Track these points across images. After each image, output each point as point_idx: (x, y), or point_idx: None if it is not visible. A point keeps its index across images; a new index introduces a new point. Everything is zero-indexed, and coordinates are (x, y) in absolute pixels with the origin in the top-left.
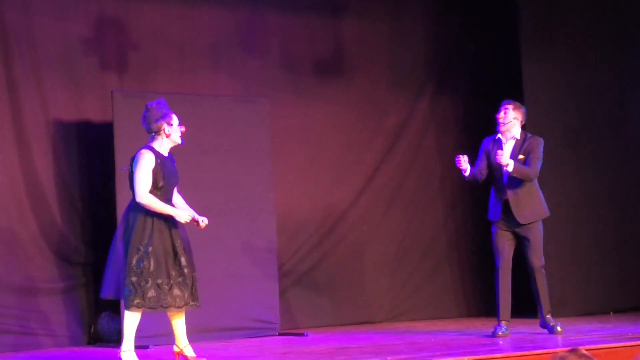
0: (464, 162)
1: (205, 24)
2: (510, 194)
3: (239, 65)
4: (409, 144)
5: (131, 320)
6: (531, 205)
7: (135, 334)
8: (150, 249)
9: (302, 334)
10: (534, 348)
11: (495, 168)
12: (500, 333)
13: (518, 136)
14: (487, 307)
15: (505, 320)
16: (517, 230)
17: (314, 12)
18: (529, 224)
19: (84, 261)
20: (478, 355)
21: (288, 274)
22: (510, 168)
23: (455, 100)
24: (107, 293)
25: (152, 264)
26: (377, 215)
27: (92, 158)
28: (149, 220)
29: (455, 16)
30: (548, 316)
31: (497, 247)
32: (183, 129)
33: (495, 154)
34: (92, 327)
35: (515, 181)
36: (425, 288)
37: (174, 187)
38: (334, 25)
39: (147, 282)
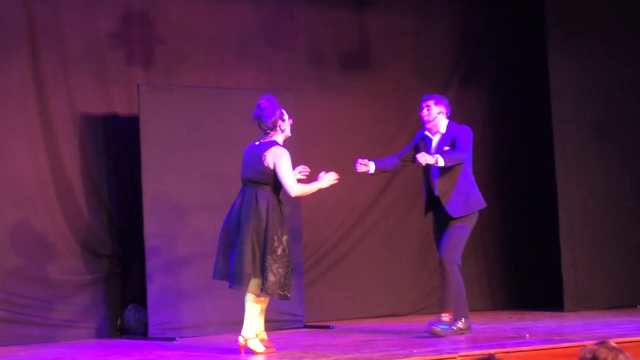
0: (361, 166)
1: (232, 17)
2: (441, 188)
3: (265, 59)
4: None
5: (256, 306)
6: (462, 198)
7: (160, 326)
8: (285, 237)
9: (328, 327)
10: (562, 341)
11: (423, 166)
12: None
13: (444, 129)
14: (512, 300)
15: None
16: (445, 225)
17: (340, 6)
18: (460, 218)
19: (110, 254)
20: (505, 348)
21: (314, 267)
22: (440, 163)
23: (482, 94)
24: (216, 276)
25: (288, 252)
26: (403, 208)
27: (118, 151)
28: (279, 210)
29: (482, 10)
30: (444, 315)
31: (435, 239)
32: (291, 121)
33: (416, 158)
34: (119, 319)
35: (446, 177)
36: None
37: None
38: (360, 19)
39: (286, 270)
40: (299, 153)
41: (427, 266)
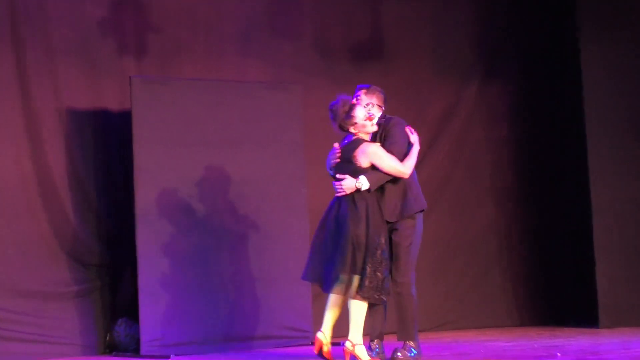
0: (347, 185)
1: (234, 4)
2: (384, 190)
3: (270, 50)
4: (454, 136)
5: (363, 310)
6: (399, 200)
7: (153, 343)
8: (383, 240)
9: (338, 344)
10: None
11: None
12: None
13: (375, 127)
14: (542, 315)
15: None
16: (390, 231)
17: None
18: (396, 222)
19: (99, 263)
20: None
21: None
22: (364, 186)
23: (506, 87)
24: (308, 277)
25: (387, 255)
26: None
27: (109, 150)
28: (378, 210)
29: None
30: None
31: None
32: (368, 115)
33: (334, 185)
34: (108, 334)
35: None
36: (473, 294)
37: None
38: (373, 5)
39: (384, 275)
40: (306, 150)
41: (447, 278)
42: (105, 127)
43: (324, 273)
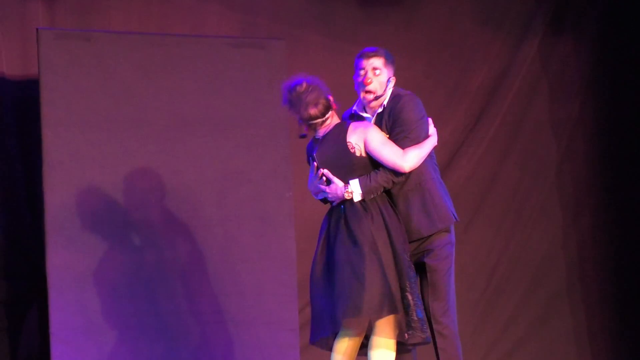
0: (335, 193)
1: None
2: (400, 201)
3: None
4: (505, 116)
5: (392, 354)
6: (418, 209)
7: None
8: (409, 255)
9: None
10: None
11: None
12: None
13: (386, 103)
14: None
15: None
16: (416, 253)
17: None
18: (424, 241)
19: None
20: None
21: None
22: (357, 197)
23: (579, 46)
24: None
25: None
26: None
27: (6, 134)
28: (393, 211)
29: None
30: None
31: None
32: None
33: (330, 196)
34: None
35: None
36: (534, 335)
37: None
38: None
39: (419, 301)
40: (292, 135)
41: (496, 313)
42: (1, 101)
43: (337, 311)
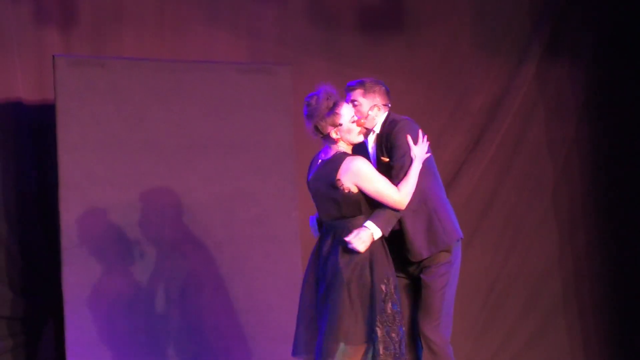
0: (362, 241)
1: None
2: (406, 220)
3: (246, 18)
4: (504, 135)
5: None
6: (422, 229)
7: None
8: (392, 287)
9: None
10: None
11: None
12: None
13: (378, 129)
14: None
15: None
16: (413, 271)
17: None
18: (423, 261)
19: (10, 315)
20: None
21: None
22: (378, 235)
23: (575, 69)
24: (304, 351)
25: (399, 307)
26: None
27: (23, 156)
28: (381, 245)
29: None
30: None
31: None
32: (364, 121)
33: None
34: None
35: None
36: (531, 350)
37: None
38: None
39: (399, 334)
40: (298, 155)
41: (494, 331)
42: (18, 124)
43: (320, 345)
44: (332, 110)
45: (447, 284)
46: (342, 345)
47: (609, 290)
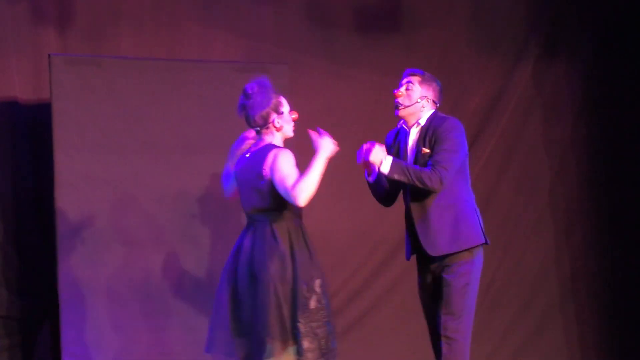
0: (376, 152)
1: None
2: (416, 212)
3: (243, 17)
4: (501, 134)
5: None
6: (448, 227)
7: None
8: (318, 282)
9: None
10: None
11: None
12: None
13: (424, 121)
14: None
15: None
16: (435, 270)
17: None
18: (446, 258)
19: (6, 314)
20: None
21: None
22: (385, 168)
23: (573, 69)
24: (215, 348)
25: (325, 303)
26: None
27: (19, 156)
28: (304, 244)
29: None
30: None
31: (421, 303)
32: (295, 115)
33: (363, 151)
34: None
35: (421, 194)
36: (527, 352)
37: None
38: None
39: (326, 329)
40: (296, 154)
41: (491, 332)
42: (13, 124)
43: (241, 343)
44: (275, 98)
45: (468, 283)
46: (272, 342)
47: (606, 290)
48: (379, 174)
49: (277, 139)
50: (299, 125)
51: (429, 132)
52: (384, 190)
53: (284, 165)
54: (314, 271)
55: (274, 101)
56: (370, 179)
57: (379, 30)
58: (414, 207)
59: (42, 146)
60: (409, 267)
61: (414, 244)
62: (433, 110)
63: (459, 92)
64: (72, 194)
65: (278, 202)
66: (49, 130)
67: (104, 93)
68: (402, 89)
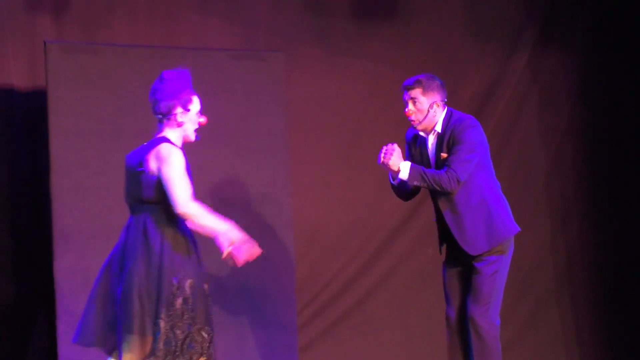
0: (395, 157)
1: None
2: (448, 214)
3: (239, 4)
4: (497, 123)
5: None
6: (482, 225)
7: None
8: (189, 282)
9: None
10: None
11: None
12: None
13: (439, 128)
14: None
15: None
16: (467, 259)
17: None
18: (483, 255)
19: (2, 302)
20: None
21: (312, 322)
22: (404, 175)
23: (568, 58)
24: (84, 340)
25: (194, 305)
26: None
27: (15, 144)
28: (179, 239)
29: None
30: None
31: (445, 292)
32: (203, 120)
33: (382, 153)
34: None
35: (449, 196)
36: (522, 341)
37: None
38: None
39: (186, 332)
40: (290, 144)
41: None
42: (9, 111)
43: (111, 335)
44: (187, 91)
45: (497, 271)
46: (129, 336)
47: (602, 279)
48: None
49: (175, 135)
50: (297, 116)
51: (446, 136)
52: (408, 191)
53: (172, 165)
54: (190, 270)
55: (184, 95)
56: (395, 182)
57: (374, 18)
58: (445, 209)
59: (38, 133)
60: (404, 256)
61: (446, 238)
62: (445, 111)
63: (455, 81)
64: (68, 181)
65: (158, 196)
66: (45, 117)
67: (100, 80)
68: (410, 107)
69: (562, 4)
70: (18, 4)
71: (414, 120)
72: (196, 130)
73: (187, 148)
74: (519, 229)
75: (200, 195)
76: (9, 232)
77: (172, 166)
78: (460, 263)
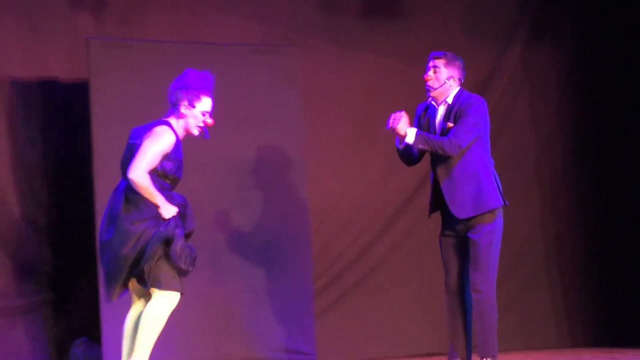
0: (402, 123)
1: None
2: (445, 182)
3: (259, 4)
4: (492, 112)
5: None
6: (472, 192)
7: None
8: (168, 234)
9: None
10: None
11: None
12: None
13: (452, 99)
14: (598, 335)
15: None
16: (461, 230)
17: None
18: (471, 219)
19: (51, 270)
20: None
21: (327, 290)
22: (410, 139)
23: (558, 51)
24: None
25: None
26: None
27: (60, 130)
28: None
29: None
30: None
31: (443, 261)
32: (210, 121)
33: (391, 120)
34: (63, 357)
35: (448, 163)
36: (514, 310)
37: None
38: None
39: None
40: (307, 130)
41: None
42: (54, 101)
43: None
44: (199, 90)
45: (491, 242)
46: (111, 286)
47: (585, 254)
48: (407, 144)
49: (177, 123)
50: (312, 106)
51: (455, 109)
52: (413, 155)
53: (155, 140)
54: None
55: (194, 92)
56: (401, 147)
57: (382, 16)
58: (442, 176)
59: (79, 121)
60: (409, 229)
61: (438, 205)
62: (459, 88)
63: None
64: (109, 163)
65: None
66: (85, 107)
67: (135, 73)
68: (430, 73)
69: (552, 3)
70: (62, 3)
71: (430, 86)
72: (202, 128)
73: (212, 134)
74: (506, 203)
75: (225, 177)
76: (56, 210)
77: (154, 141)
78: (456, 235)
